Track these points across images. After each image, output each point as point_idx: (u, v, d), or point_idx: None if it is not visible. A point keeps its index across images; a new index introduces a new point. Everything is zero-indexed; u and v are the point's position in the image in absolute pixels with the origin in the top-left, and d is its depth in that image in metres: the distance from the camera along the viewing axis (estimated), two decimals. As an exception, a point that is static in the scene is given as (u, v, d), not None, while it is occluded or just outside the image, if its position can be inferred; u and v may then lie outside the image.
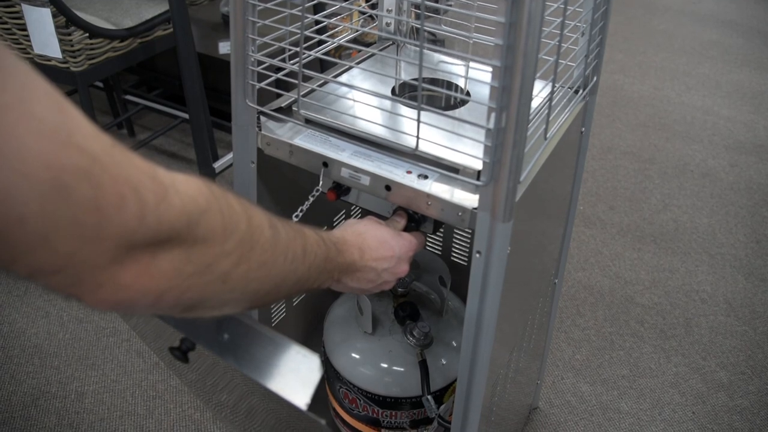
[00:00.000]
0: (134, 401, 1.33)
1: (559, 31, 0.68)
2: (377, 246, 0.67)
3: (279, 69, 0.78)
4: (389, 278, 0.70)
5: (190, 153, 2.15)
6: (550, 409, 1.36)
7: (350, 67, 0.91)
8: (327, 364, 1.03)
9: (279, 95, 0.82)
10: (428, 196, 0.70)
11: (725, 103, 2.62)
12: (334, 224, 1.13)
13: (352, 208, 1.17)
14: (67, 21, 1.47)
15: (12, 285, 1.60)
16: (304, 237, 0.54)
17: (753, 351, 1.50)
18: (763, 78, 2.85)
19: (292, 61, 0.78)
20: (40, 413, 1.30)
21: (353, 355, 0.99)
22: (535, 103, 0.65)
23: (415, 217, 0.79)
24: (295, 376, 0.43)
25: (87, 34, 1.53)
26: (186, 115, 1.92)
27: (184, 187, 0.38)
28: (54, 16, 1.45)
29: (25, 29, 1.51)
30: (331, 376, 1.03)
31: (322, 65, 1.53)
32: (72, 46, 1.51)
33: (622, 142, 2.31)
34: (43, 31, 1.48)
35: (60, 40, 1.49)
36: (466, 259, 1.16)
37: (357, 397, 0.99)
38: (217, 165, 1.84)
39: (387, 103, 0.83)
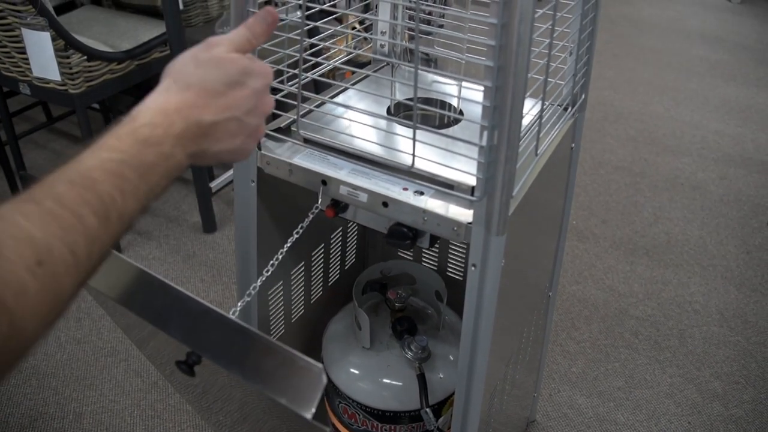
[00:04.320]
0: (133, 421, 1.33)
1: (547, 51, 0.71)
2: (204, 93, 0.48)
3: (277, 90, 0.80)
4: (252, 118, 0.51)
5: (186, 173, 2.17)
6: (547, 421, 1.37)
7: (346, 88, 0.94)
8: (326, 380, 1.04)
9: (277, 116, 0.84)
10: (424, 211, 0.72)
11: (713, 117, 2.66)
12: (332, 240, 1.14)
13: (350, 224, 1.19)
14: (66, 44, 1.50)
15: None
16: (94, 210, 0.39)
17: (746, 360, 1.52)
18: (749, 92, 2.90)
19: (290, 83, 0.80)
20: (39, 434, 1.30)
21: (352, 370, 1.01)
22: (525, 120, 0.67)
23: (409, 234, 0.81)
24: (300, 385, 0.45)
25: (85, 57, 1.56)
26: (182, 136, 1.93)
27: None
28: (53, 39, 1.48)
29: (24, 52, 1.54)
30: (330, 392, 1.04)
31: (317, 86, 1.55)
32: (71, 68, 1.54)
33: (613, 157, 2.35)
34: (42, 54, 1.50)
35: (59, 63, 1.52)
36: (461, 273, 1.18)
37: (356, 412, 1.00)
38: (214, 184, 1.86)
39: (383, 123, 0.86)
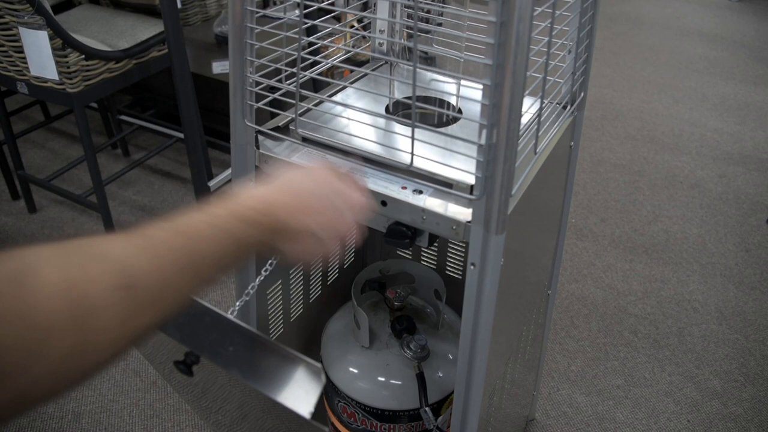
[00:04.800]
0: (131, 421, 1.33)
1: (546, 50, 0.71)
2: (307, 202, 0.56)
3: (276, 89, 0.80)
4: (336, 234, 0.58)
5: (185, 172, 2.16)
6: (546, 420, 1.37)
7: (344, 87, 0.94)
8: (325, 379, 1.04)
9: (276, 114, 0.84)
10: (423, 210, 0.72)
11: (712, 115, 2.66)
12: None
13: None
14: (63, 43, 1.49)
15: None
16: (190, 257, 0.44)
17: (745, 358, 1.52)
18: (748, 90, 2.90)
19: (288, 82, 0.80)
20: (38, 434, 1.30)
21: (351, 369, 1.01)
22: (524, 119, 0.67)
23: (408, 233, 0.81)
24: (299, 385, 0.44)
25: (83, 56, 1.55)
26: (180, 135, 1.94)
27: None
28: (51, 38, 1.47)
29: (22, 51, 1.53)
30: (329, 391, 1.04)
31: (315, 85, 1.55)
32: (68, 67, 1.53)
33: (612, 155, 2.35)
34: (40, 53, 1.50)
35: (57, 62, 1.51)
36: (460, 272, 1.18)
37: (355, 411, 1.00)
38: (212, 183, 1.86)
39: (381, 121, 0.86)
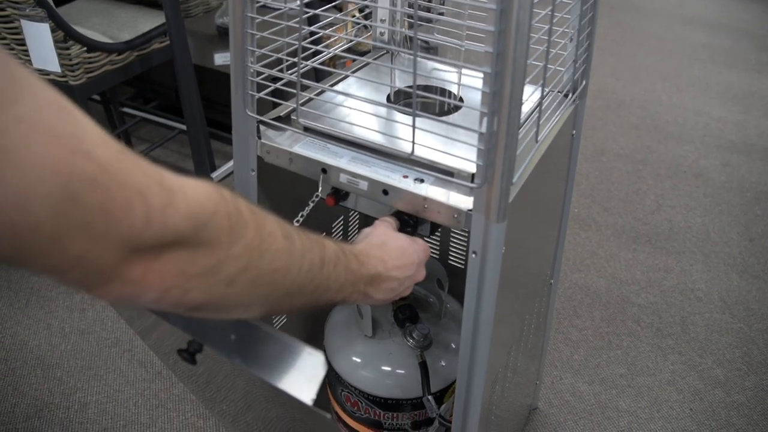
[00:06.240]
0: (137, 410, 1.34)
1: (547, 37, 0.70)
2: (399, 255, 0.69)
3: (277, 79, 0.80)
4: (410, 284, 0.72)
5: (188, 164, 2.17)
6: (549, 409, 1.37)
7: (346, 76, 0.94)
8: (328, 368, 1.04)
9: (277, 104, 0.84)
10: (425, 199, 0.72)
11: (716, 103, 2.65)
12: (333, 229, 1.14)
13: (351, 213, 1.19)
14: (65, 35, 1.49)
15: (13, 297, 1.61)
16: (323, 248, 0.54)
17: (748, 347, 1.52)
18: (752, 78, 2.88)
19: (290, 71, 0.80)
20: (44, 425, 1.31)
21: (354, 358, 1.01)
22: (525, 107, 0.67)
23: (410, 222, 0.81)
24: (300, 372, 0.45)
25: (85, 48, 1.55)
26: (183, 127, 1.94)
27: (192, 192, 0.40)
28: (52, 30, 1.47)
29: (23, 44, 1.53)
30: (332, 380, 1.05)
31: (317, 74, 1.55)
32: (70, 60, 1.53)
33: (615, 145, 2.34)
34: (41, 45, 1.50)
35: (58, 55, 1.51)
36: (463, 262, 1.18)
37: (359, 400, 1.01)
38: (215, 175, 1.86)
39: (383, 110, 0.86)
